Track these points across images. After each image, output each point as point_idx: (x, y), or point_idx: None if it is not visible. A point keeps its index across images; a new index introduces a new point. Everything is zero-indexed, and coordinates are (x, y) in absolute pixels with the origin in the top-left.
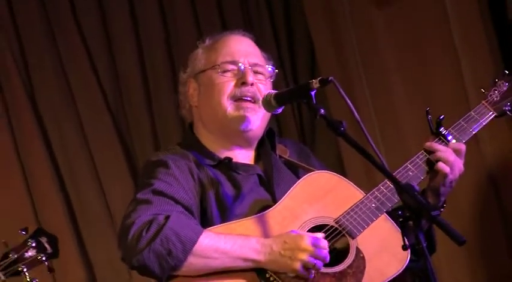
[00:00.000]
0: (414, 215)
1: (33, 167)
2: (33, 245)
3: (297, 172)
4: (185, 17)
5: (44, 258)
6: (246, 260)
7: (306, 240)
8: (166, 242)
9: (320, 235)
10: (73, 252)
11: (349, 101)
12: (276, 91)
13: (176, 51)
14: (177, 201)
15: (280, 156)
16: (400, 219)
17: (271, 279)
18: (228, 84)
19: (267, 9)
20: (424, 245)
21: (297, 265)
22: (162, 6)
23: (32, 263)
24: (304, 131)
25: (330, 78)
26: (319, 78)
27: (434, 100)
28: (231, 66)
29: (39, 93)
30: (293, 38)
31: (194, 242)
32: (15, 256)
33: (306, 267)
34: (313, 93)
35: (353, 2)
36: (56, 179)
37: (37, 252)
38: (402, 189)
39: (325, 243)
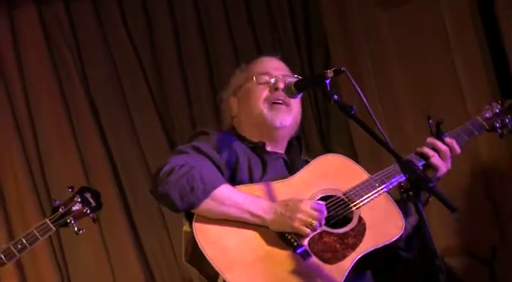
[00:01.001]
0: (414, 186)
1: (85, 139)
2: (79, 200)
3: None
4: (218, 16)
5: (88, 211)
6: (252, 215)
7: (305, 203)
8: (192, 180)
9: (321, 202)
10: (117, 209)
11: (358, 88)
12: (294, 79)
13: (211, 45)
14: (209, 157)
15: (301, 156)
16: (402, 190)
17: (289, 237)
18: (263, 91)
19: (289, 15)
20: (423, 212)
21: (295, 223)
22: (197, 7)
23: (78, 216)
24: (320, 116)
25: (342, 69)
26: (333, 69)
27: (429, 90)
28: (265, 78)
29: (91, 75)
30: (311, 37)
31: (214, 187)
32: (64, 210)
33: (304, 225)
34: (327, 81)
35: (362, 6)
36: (105, 151)
37: (82, 206)
38: (405, 164)
39: (322, 208)
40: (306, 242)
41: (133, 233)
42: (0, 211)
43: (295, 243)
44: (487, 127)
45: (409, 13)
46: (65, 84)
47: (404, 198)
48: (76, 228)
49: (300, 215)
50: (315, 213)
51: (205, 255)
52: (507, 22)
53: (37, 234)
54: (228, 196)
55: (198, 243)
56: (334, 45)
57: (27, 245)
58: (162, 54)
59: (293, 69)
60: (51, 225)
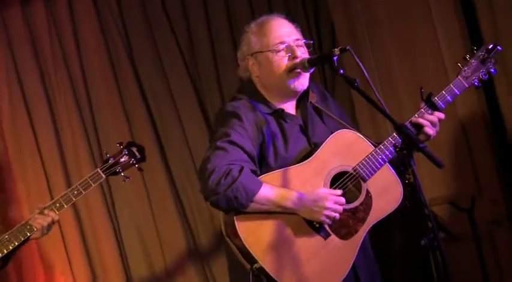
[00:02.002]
0: (408, 147)
1: (130, 100)
2: (126, 152)
3: (321, 116)
4: (243, 3)
5: (134, 162)
6: (285, 208)
7: (329, 201)
8: (236, 191)
9: (339, 192)
10: (157, 160)
11: (360, 63)
12: (308, 57)
13: (235, 24)
14: (245, 151)
15: (311, 102)
16: (397, 149)
17: (314, 222)
18: (283, 60)
19: (302, 7)
20: (415, 168)
21: (322, 217)
22: None
23: (125, 166)
24: (327, 87)
25: (347, 47)
26: (339, 48)
27: (420, 65)
28: (281, 46)
29: (135, 47)
30: (319, 24)
31: (254, 194)
32: (113, 161)
33: (328, 217)
34: (335, 58)
35: None
36: (146, 110)
37: (129, 158)
38: (400, 127)
39: (342, 201)
40: (326, 224)
41: (171, 181)
42: (60, 162)
43: (318, 226)
44: (467, 85)
45: (402, 2)
46: (113, 54)
47: (399, 156)
48: (123, 177)
49: (326, 212)
50: (337, 208)
51: (245, 244)
52: (483, 10)
53: (90, 181)
54: (265, 197)
55: (239, 233)
56: (339, 29)
57: (82, 191)
58: (194, 28)
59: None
60: (102, 174)
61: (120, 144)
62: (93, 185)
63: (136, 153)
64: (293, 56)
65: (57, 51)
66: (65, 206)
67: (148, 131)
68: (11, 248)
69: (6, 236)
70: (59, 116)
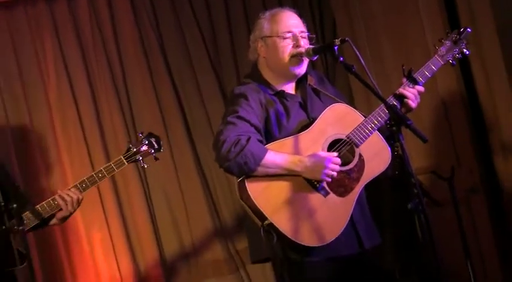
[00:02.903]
0: (397, 123)
1: (162, 89)
2: (146, 142)
3: (319, 95)
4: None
5: (152, 152)
6: (289, 170)
7: (327, 161)
8: (245, 157)
9: (335, 154)
10: (185, 142)
11: (357, 52)
12: (312, 46)
13: (251, 17)
14: (251, 124)
15: (309, 84)
16: (388, 125)
17: (313, 181)
18: (288, 47)
19: (308, 5)
20: (403, 141)
21: (322, 176)
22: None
23: (145, 155)
24: (329, 73)
25: (346, 39)
26: (340, 38)
27: (409, 54)
28: (288, 35)
29: (167, 42)
30: (323, 18)
31: (261, 159)
32: (134, 149)
33: (326, 175)
34: (336, 48)
35: None
36: (176, 97)
37: (148, 147)
38: (390, 107)
39: (338, 161)
40: (324, 183)
41: (196, 158)
42: (99, 134)
43: (318, 185)
44: (443, 62)
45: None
46: (146, 43)
47: (389, 130)
48: (143, 164)
49: (325, 171)
50: (335, 167)
51: (256, 203)
52: (463, 7)
53: (114, 167)
54: (271, 161)
55: (250, 194)
56: (340, 24)
57: (106, 175)
58: (216, 22)
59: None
60: (125, 161)
61: (142, 133)
62: (116, 170)
63: (155, 144)
64: (297, 45)
65: (98, 40)
66: (90, 187)
67: (176, 111)
68: (37, 221)
69: (39, 207)
70: (99, 96)
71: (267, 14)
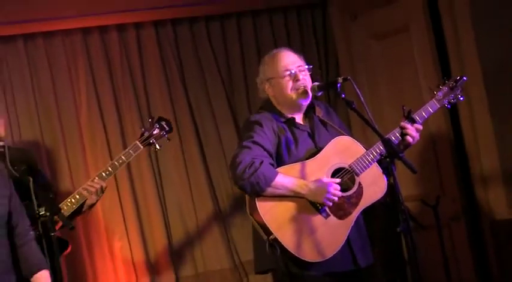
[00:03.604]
0: (391, 156)
1: (181, 117)
2: (157, 126)
3: (326, 126)
4: (269, 45)
5: (164, 133)
6: (295, 192)
7: (330, 186)
8: (257, 178)
9: (337, 181)
10: (198, 159)
11: (358, 90)
12: (318, 83)
13: (262, 50)
14: (265, 149)
15: (317, 116)
16: (383, 157)
17: (316, 204)
18: (289, 84)
19: (316, 50)
20: (395, 172)
21: (324, 200)
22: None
23: (157, 137)
24: (331, 107)
25: (348, 77)
26: (342, 77)
27: (403, 95)
28: (287, 73)
29: (186, 69)
30: (328, 57)
31: (272, 180)
32: (148, 134)
33: (328, 200)
34: (338, 85)
35: (361, 38)
36: (193, 124)
37: (160, 130)
38: (386, 141)
39: (338, 188)
40: (326, 206)
41: (206, 171)
42: (121, 140)
43: (320, 207)
44: (439, 105)
45: (392, 44)
46: (168, 74)
47: (384, 161)
48: (157, 146)
49: (327, 195)
50: (336, 193)
51: (263, 219)
52: (455, 62)
53: (131, 151)
54: (280, 183)
55: (259, 211)
56: (342, 64)
57: (125, 160)
58: (231, 55)
59: (314, 77)
60: (140, 145)
61: (151, 119)
62: (133, 154)
63: (165, 126)
64: (296, 79)
65: (125, 68)
66: (113, 173)
67: (191, 133)
68: (67, 210)
69: (67, 202)
70: (124, 116)
71: (266, 58)
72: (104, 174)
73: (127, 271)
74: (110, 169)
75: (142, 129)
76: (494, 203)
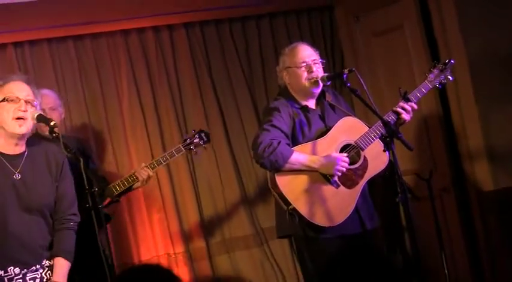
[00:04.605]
0: (390, 135)
1: (207, 99)
2: (197, 136)
3: (334, 109)
4: (282, 37)
5: (202, 143)
6: (309, 167)
7: (339, 160)
8: (276, 156)
9: (345, 155)
10: (224, 145)
11: (361, 79)
12: (327, 74)
13: (278, 48)
14: (282, 131)
15: (327, 101)
16: (383, 137)
17: (327, 175)
18: (304, 74)
19: (324, 48)
20: (394, 150)
21: (334, 171)
22: (274, 39)
23: (196, 145)
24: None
25: (353, 69)
26: (348, 69)
27: (398, 81)
28: (303, 64)
29: (215, 72)
30: (334, 51)
31: (288, 158)
32: (189, 141)
33: (338, 172)
34: (344, 76)
35: (363, 35)
36: (220, 113)
37: (199, 139)
38: (386, 123)
39: (347, 160)
40: (336, 177)
41: (232, 154)
42: (158, 132)
43: (331, 179)
44: (431, 86)
45: (389, 40)
46: (198, 70)
47: (384, 140)
48: (195, 151)
49: (337, 167)
50: (345, 165)
51: (283, 192)
52: (444, 51)
53: (174, 152)
54: (296, 160)
55: (278, 185)
56: (347, 56)
57: (168, 158)
58: (252, 53)
59: (325, 69)
60: (182, 148)
61: (195, 130)
62: (176, 155)
63: (204, 137)
64: (310, 71)
65: (161, 65)
66: (157, 167)
67: (218, 118)
68: (119, 190)
69: (118, 182)
70: (160, 107)
71: (286, 49)
72: (151, 166)
73: (164, 239)
74: (155, 164)
75: (185, 136)
76: (480, 177)
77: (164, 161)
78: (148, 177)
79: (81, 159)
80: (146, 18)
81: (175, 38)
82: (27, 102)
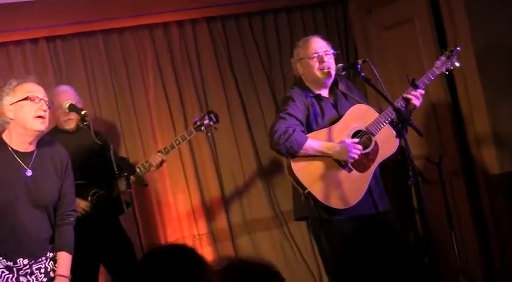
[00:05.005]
0: (401, 121)
1: (229, 90)
2: (207, 117)
3: (346, 98)
4: (298, 30)
5: (212, 124)
6: (323, 153)
7: (351, 146)
8: (291, 143)
9: (357, 141)
10: (245, 130)
11: (374, 69)
12: (341, 64)
13: (294, 42)
14: (297, 119)
15: (339, 89)
16: (394, 123)
17: (341, 162)
18: (316, 64)
19: (338, 40)
20: (405, 135)
21: (347, 157)
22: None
23: (207, 126)
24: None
25: (366, 59)
26: (362, 59)
27: (408, 71)
28: (314, 55)
29: (236, 65)
30: (348, 44)
31: (303, 144)
32: (200, 122)
33: (351, 158)
34: (359, 66)
35: (375, 29)
36: (241, 102)
37: (209, 120)
38: (396, 108)
39: (360, 147)
40: (349, 162)
41: (251, 139)
42: (183, 121)
43: (344, 164)
44: (438, 72)
45: (401, 32)
46: (220, 62)
47: (395, 126)
48: (206, 132)
49: (349, 153)
50: (357, 151)
51: (298, 177)
52: (451, 41)
53: (186, 135)
54: (310, 146)
55: (294, 170)
56: (360, 49)
57: (181, 141)
58: (270, 46)
59: (339, 60)
60: (193, 130)
61: (203, 112)
62: (188, 138)
63: (213, 118)
64: (322, 61)
65: (185, 57)
66: (171, 151)
67: (239, 108)
68: (141, 174)
69: (144, 163)
70: (184, 96)
71: (300, 42)
72: (165, 150)
73: (188, 219)
74: (168, 148)
75: (195, 119)
76: (487, 161)
77: (177, 144)
78: (162, 161)
79: (111, 146)
80: (170, 13)
81: (198, 32)
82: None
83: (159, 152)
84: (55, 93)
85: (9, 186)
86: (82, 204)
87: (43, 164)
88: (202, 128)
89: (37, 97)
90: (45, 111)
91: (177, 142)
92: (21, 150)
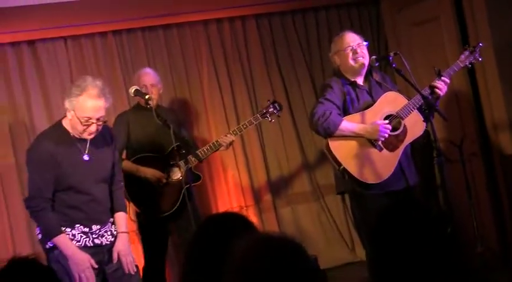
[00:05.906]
0: (428, 107)
1: (276, 85)
2: (271, 106)
3: (381, 86)
4: (335, 27)
5: (276, 111)
6: (357, 134)
7: (382, 127)
8: (328, 124)
9: (387, 122)
10: (288, 116)
11: (405, 61)
12: (375, 56)
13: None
14: (334, 103)
15: (373, 78)
16: (422, 109)
17: (373, 141)
18: (349, 56)
19: (371, 35)
20: (432, 120)
21: (378, 137)
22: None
23: (271, 113)
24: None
25: (397, 52)
26: (393, 52)
27: (433, 63)
28: (349, 48)
29: (281, 58)
30: (379, 39)
31: (338, 125)
32: (265, 110)
33: (381, 137)
34: (390, 58)
35: (405, 24)
36: (284, 89)
37: (273, 109)
38: (424, 96)
39: (389, 128)
40: (380, 142)
41: (294, 125)
42: (234, 112)
43: (375, 143)
44: (462, 65)
45: (427, 29)
46: (267, 57)
47: (423, 112)
48: (270, 119)
49: (380, 134)
50: (387, 131)
51: (335, 154)
52: (473, 37)
53: (253, 120)
54: (345, 127)
55: (331, 148)
56: (391, 44)
57: (248, 125)
58: (311, 42)
59: (372, 53)
60: (259, 117)
61: (269, 100)
62: (254, 123)
63: (277, 107)
64: (355, 52)
65: (235, 51)
66: (238, 134)
67: (283, 97)
68: (207, 154)
69: (205, 148)
70: (235, 85)
71: (336, 37)
72: (234, 132)
73: (237, 194)
74: (237, 131)
75: (262, 108)
76: (503, 143)
77: (244, 128)
78: (232, 141)
79: (171, 126)
80: (223, 10)
81: (247, 28)
82: (98, 119)
83: (229, 133)
84: (140, 74)
85: (78, 170)
86: (158, 175)
87: (97, 144)
88: (267, 116)
89: (90, 123)
90: (94, 132)
91: (244, 126)
92: (78, 136)
